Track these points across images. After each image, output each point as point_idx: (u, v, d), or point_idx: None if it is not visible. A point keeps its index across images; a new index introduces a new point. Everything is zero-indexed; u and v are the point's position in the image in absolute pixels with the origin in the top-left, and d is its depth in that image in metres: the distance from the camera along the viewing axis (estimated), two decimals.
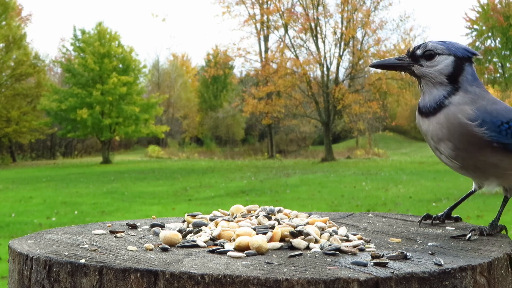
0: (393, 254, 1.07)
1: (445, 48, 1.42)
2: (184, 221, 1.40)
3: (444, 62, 1.41)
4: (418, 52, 1.44)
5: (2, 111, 29.15)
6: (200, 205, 10.90)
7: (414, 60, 1.45)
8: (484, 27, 36.38)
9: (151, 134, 30.69)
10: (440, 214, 1.56)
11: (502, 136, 1.35)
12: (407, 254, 1.07)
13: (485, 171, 1.43)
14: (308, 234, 1.18)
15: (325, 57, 26.66)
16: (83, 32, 29.99)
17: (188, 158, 33.37)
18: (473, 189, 1.57)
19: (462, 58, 1.41)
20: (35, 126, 29.51)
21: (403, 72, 1.49)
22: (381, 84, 26.14)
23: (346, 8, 26.07)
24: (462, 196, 1.62)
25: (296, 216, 1.36)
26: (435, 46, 1.42)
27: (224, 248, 1.13)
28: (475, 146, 1.37)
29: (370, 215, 1.67)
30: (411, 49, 1.46)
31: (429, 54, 1.43)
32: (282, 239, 1.19)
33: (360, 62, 26.81)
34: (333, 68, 27.25)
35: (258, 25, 29.12)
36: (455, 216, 1.59)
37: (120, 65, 29.62)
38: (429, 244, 1.22)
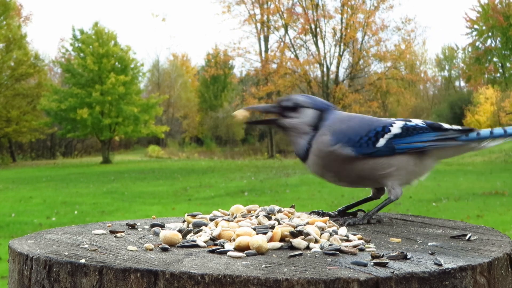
0: (393, 254, 1.07)
1: (310, 102, 1.56)
2: (184, 221, 1.40)
3: (310, 115, 1.55)
4: (285, 103, 1.56)
5: (2, 111, 29.14)
6: (200, 205, 10.90)
7: (282, 111, 1.57)
8: (484, 27, 36.36)
9: (151, 134, 30.66)
10: (332, 212, 1.66)
11: (363, 148, 1.51)
12: (407, 254, 1.07)
13: (371, 179, 1.56)
14: (308, 234, 1.18)
15: (325, 57, 26.66)
16: (81, 32, 29.96)
17: (188, 158, 33.36)
18: (371, 195, 1.69)
19: (323, 110, 1.57)
20: (35, 126, 29.50)
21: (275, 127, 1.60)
22: (381, 83, 26.14)
23: (346, 8, 26.07)
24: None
25: (298, 217, 1.36)
26: (302, 100, 1.56)
27: (224, 248, 1.13)
28: (345, 162, 1.52)
29: None
30: (278, 101, 1.60)
31: (295, 107, 1.55)
32: (282, 239, 1.19)
33: (360, 62, 26.80)
34: (333, 68, 27.25)
35: (258, 25, 29.13)
36: (353, 211, 1.66)
37: (118, 65, 29.57)
38: (429, 244, 1.22)
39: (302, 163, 1.62)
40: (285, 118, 1.56)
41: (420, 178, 1.63)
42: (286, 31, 27.40)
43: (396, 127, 1.54)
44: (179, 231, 1.30)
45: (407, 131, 1.54)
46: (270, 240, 1.16)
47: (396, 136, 1.53)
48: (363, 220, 1.51)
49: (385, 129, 1.54)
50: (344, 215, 1.65)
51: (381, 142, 1.52)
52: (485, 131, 1.56)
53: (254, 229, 1.20)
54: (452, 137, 1.55)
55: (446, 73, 47.89)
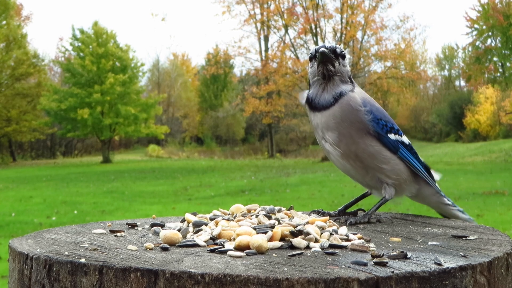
0: (393, 253, 1.07)
1: (348, 57, 1.62)
2: (184, 220, 1.40)
3: (348, 65, 1.61)
4: (338, 50, 1.59)
5: (2, 110, 29.13)
6: (200, 204, 10.90)
7: (335, 56, 1.58)
8: (484, 27, 36.35)
9: (151, 134, 30.65)
10: (333, 211, 1.68)
11: (379, 127, 1.56)
12: (407, 253, 1.07)
13: (364, 161, 1.58)
14: (308, 234, 1.18)
15: None
16: (81, 31, 29.92)
17: (188, 157, 33.36)
18: (367, 191, 1.75)
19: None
20: (35, 125, 29.49)
21: (329, 67, 1.56)
22: (382, 83, 26.14)
23: (345, 7, 26.04)
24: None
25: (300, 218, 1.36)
26: (346, 52, 1.61)
27: (224, 247, 1.13)
28: (358, 132, 1.55)
29: None
30: (329, 46, 1.59)
31: (344, 55, 1.60)
32: (282, 239, 1.19)
33: (361, 62, 26.79)
34: None
35: (258, 24, 29.10)
36: (353, 211, 1.70)
37: (118, 64, 29.49)
38: (429, 243, 1.22)
39: (311, 111, 1.60)
40: (338, 63, 1.58)
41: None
42: (286, 31, 27.38)
43: (405, 138, 1.63)
44: (179, 230, 1.30)
45: (411, 148, 1.64)
46: (270, 239, 1.16)
47: (403, 143, 1.61)
48: (363, 219, 1.53)
49: (399, 132, 1.62)
50: (344, 215, 1.66)
51: (392, 136, 1.58)
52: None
53: (254, 229, 1.20)
54: (433, 180, 1.70)
55: (446, 73, 47.88)
